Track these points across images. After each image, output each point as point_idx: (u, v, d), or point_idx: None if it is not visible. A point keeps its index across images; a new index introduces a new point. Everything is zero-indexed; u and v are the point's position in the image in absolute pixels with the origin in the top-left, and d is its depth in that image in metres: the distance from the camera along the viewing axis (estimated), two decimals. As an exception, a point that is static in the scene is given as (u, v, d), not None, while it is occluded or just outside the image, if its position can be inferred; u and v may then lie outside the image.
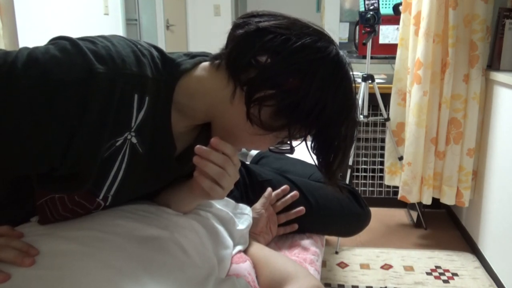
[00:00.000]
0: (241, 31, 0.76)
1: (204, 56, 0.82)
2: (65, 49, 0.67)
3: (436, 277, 2.03)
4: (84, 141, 0.67)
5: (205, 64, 0.80)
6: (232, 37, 0.77)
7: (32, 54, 0.65)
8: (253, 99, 0.74)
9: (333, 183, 0.84)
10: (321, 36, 0.76)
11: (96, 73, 0.65)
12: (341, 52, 0.77)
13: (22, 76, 0.63)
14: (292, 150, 0.84)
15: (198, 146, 0.76)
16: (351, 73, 0.79)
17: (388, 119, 2.37)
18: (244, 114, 0.75)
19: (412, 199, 2.33)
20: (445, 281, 2.00)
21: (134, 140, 0.74)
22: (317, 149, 0.81)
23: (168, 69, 0.76)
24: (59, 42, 0.68)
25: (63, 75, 0.64)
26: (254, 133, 0.76)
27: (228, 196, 1.08)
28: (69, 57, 0.66)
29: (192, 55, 0.81)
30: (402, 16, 2.28)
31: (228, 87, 0.76)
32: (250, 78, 0.74)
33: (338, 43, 0.80)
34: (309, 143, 0.82)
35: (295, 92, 0.73)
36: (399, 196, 2.38)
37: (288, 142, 0.83)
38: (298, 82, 0.73)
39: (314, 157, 0.83)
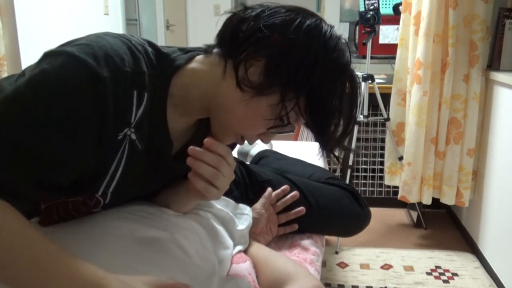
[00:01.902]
0: (229, 14, 0.79)
1: (198, 50, 0.82)
2: (63, 64, 0.66)
3: (436, 277, 2.03)
4: (105, 142, 0.69)
5: (199, 56, 0.81)
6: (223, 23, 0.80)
7: (31, 83, 0.65)
8: (240, 59, 0.74)
9: (328, 152, 0.82)
10: (305, 11, 0.78)
11: (102, 78, 0.66)
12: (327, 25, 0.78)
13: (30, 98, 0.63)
14: (289, 122, 0.78)
15: (191, 147, 0.76)
16: (342, 39, 0.78)
17: (388, 119, 2.37)
18: (235, 83, 0.74)
19: (412, 199, 2.33)
20: (445, 281, 2.00)
21: (133, 136, 0.74)
22: (311, 115, 0.78)
23: (163, 64, 0.76)
24: (52, 59, 0.67)
25: (73, 87, 0.64)
26: (247, 100, 0.74)
27: (228, 196, 1.08)
28: (71, 69, 0.65)
29: (186, 50, 0.81)
30: (402, 16, 2.28)
31: (220, 65, 0.77)
32: (235, 44, 0.75)
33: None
34: (304, 115, 0.78)
35: (280, 46, 0.73)
36: (399, 196, 2.38)
37: (284, 111, 0.76)
38: (282, 37, 0.73)
39: (310, 127, 0.81)
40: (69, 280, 0.58)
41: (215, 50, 0.79)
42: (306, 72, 0.73)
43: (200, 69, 0.79)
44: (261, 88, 0.73)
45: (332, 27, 0.77)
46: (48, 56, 0.68)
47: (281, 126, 0.77)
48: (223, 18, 0.80)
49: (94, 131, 0.67)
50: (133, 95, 0.71)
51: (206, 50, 0.80)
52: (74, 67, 0.65)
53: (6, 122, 0.62)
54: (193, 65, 0.79)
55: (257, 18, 0.74)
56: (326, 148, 0.81)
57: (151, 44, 0.78)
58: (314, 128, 0.80)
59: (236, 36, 0.75)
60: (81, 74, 0.65)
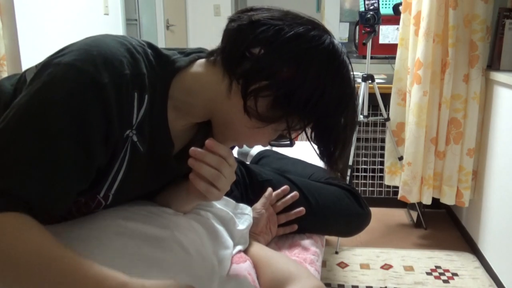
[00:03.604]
0: (234, 25, 0.76)
1: (199, 52, 0.82)
2: (63, 75, 0.66)
3: (436, 277, 2.03)
4: (111, 144, 0.71)
5: (201, 60, 0.80)
6: (227, 31, 0.77)
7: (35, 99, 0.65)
8: (248, 92, 0.73)
9: (335, 171, 0.84)
10: (315, 26, 0.76)
11: (103, 84, 0.66)
12: (336, 41, 0.77)
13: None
14: (292, 143, 0.82)
15: (192, 148, 0.76)
16: (348, 62, 0.77)
17: (388, 119, 2.37)
18: (241, 107, 0.74)
19: (412, 199, 2.33)
20: (445, 281, 2.00)
21: (135, 138, 0.74)
22: (317, 139, 0.80)
23: (163, 66, 0.76)
24: (52, 70, 0.67)
25: (78, 97, 0.65)
26: (253, 126, 0.75)
27: (229, 196, 1.08)
28: (72, 80, 0.65)
29: (187, 53, 0.81)
30: (402, 16, 2.28)
31: (224, 81, 0.76)
32: (244, 71, 0.73)
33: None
34: (309, 132, 0.80)
35: (291, 82, 0.72)
36: (399, 196, 2.38)
37: (288, 135, 0.81)
38: (293, 71, 0.72)
39: (315, 146, 0.82)
40: None
41: (219, 58, 0.77)
42: (314, 104, 0.74)
43: (202, 77, 0.78)
44: (269, 120, 0.74)
45: (342, 50, 0.77)
46: (47, 67, 0.67)
47: (282, 143, 0.82)
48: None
49: (103, 136, 0.68)
50: (134, 97, 0.71)
51: (210, 54, 0.79)
52: (74, 77, 0.65)
53: (22, 144, 0.62)
54: (194, 69, 0.79)
55: (269, 45, 0.72)
56: (333, 167, 0.83)
57: (151, 45, 0.78)
58: (319, 151, 0.82)
59: (244, 58, 0.73)
60: (83, 83, 0.65)
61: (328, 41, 0.75)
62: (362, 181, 2.74)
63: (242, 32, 0.74)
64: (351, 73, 0.78)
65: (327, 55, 0.74)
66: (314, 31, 0.74)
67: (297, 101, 0.73)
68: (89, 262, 0.61)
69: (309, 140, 0.81)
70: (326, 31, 0.77)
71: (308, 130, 0.79)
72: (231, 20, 0.78)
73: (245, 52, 0.73)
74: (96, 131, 0.66)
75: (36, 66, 0.74)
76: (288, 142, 0.82)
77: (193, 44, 4.72)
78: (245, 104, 0.74)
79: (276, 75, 0.72)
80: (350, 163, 2.30)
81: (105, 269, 0.61)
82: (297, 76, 0.72)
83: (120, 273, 0.62)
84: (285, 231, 1.32)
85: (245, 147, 1.83)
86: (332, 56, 0.75)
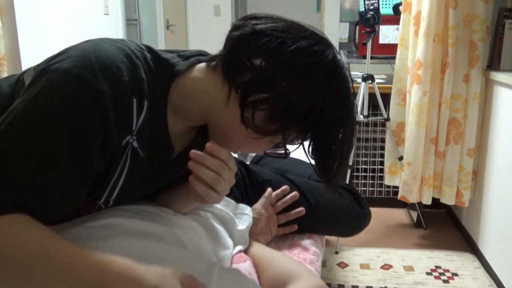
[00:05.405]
0: (237, 33, 0.75)
1: (199, 55, 0.81)
2: (60, 82, 0.65)
3: (436, 277, 2.03)
4: (109, 151, 0.70)
5: (202, 65, 0.79)
6: (229, 39, 0.77)
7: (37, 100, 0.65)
8: (247, 103, 0.73)
9: (332, 187, 0.83)
10: (318, 40, 0.75)
11: (101, 91, 0.66)
12: (338, 56, 0.76)
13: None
14: (287, 154, 0.82)
15: (193, 151, 0.76)
16: (349, 77, 0.77)
17: (388, 119, 2.37)
18: (239, 117, 0.74)
19: (412, 199, 2.33)
20: (445, 281, 2.00)
21: (135, 144, 0.74)
22: (315, 154, 0.80)
23: (162, 71, 0.75)
24: (50, 76, 0.66)
25: (78, 105, 0.65)
26: (249, 136, 0.75)
27: (229, 196, 1.08)
28: (69, 87, 0.65)
29: (186, 56, 0.80)
30: (402, 16, 2.28)
31: (223, 89, 0.75)
32: (244, 81, 0.73)
33: (338, 43, 0.79)
34: (307, 146, 0.81)
35: (290, 96, 0.72)
36: (399, 196, 2.38)
37: (284, 147, 0.81)
38: (293, 86, 0.72)
39: (313, 161, 0.82)
40: (99, 274, 0.60)
41: (219, 64, 0.77)
42: (313, 120, 0.74)
43: (201, 83, 0.78)
44: (265, 132, 0.74)
45: (344, 65, 0.76)
46: (44, 73, 0.67)
47: (277, 153, 0.82)
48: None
49: (101, 143, 0.68)
50: (133, 103, 0.71)
51: (211, 59, 0.79)
52: (72, 84, 0.65)
53: (20, 150, 0.62)
54: (194, 74, 0.78)
55: (271, 58, 0.72)
56: (330, 183, 0.82)
57: (150, 49, 0.77)
58: (317, 166, 0.82)
59: (245, 68, 0.73)
60: (80, 90, 0.65)
61: (330, 56, 0.74)
62: (362, 181, 2.74)
63: (245, 42, 0.74)
64: (351, 88, 0.77)
65: (328, 71, 0.74)
66: (317, 46, 0.74)
67: (296, 116, 0.73)
68: (92, 250, 0.62)
69: (306, 154, 0.81)
70: (329, 45, 0.76)
71: (306, 144, 0.79)
72: (234, 27, 0.77)
73: (246, 62, 0.73)
74: (94, 138, 0.66)
75: (34, 67, 0.74)
76: (283, 152, 0.82)
77: (193, 44, 4.72)
78: (243, 114, 0.73)
79: (276, 89, 0.72)
80: (350, 163, 2.30)
81: (108, 255, 0.62)
82: (297, 91, 0.72)
83: (124, 258, 0.62)
84: (285, 231, 1.32)
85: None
86: (334, 72, 0.74)
